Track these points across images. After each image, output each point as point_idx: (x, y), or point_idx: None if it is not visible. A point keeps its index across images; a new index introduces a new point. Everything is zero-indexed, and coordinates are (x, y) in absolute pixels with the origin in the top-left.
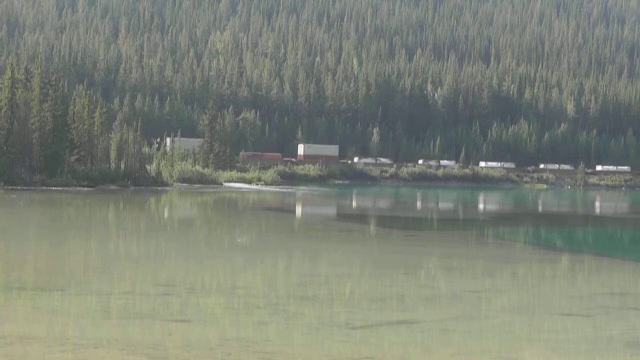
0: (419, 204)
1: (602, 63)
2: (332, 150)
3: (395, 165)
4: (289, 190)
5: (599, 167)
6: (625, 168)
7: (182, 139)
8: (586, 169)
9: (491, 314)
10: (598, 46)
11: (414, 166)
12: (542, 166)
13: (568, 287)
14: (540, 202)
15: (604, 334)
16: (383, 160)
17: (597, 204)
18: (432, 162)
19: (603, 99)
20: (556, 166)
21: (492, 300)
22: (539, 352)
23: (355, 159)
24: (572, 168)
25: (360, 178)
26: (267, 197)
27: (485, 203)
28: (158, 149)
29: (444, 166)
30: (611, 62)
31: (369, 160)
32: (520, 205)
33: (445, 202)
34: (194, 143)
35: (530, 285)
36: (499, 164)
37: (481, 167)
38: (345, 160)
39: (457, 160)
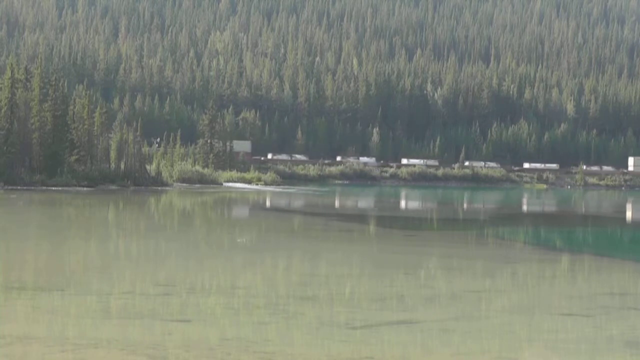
0: (418, 203)
1: (602, 63)
2: None
3: (394, 165)
4: (289, 190)
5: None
6: (610, 168)
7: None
8: (570, 168)
9: (491, 314)
10: (598, 46)
11: (413, 166)
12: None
13: (568, 287)
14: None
15: (604, 333)
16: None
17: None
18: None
19: (603, 99)
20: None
21: (492, 300)
22: (539, 352)
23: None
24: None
25: (360, 178)
26: (266, 197)
27: (485, 203)
28: (158, 148)
29: (428, 165)
30: (611, 62)
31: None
32: (507, 205)
33: (445, 202)
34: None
35: (530, 285)
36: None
37: (480, 167)
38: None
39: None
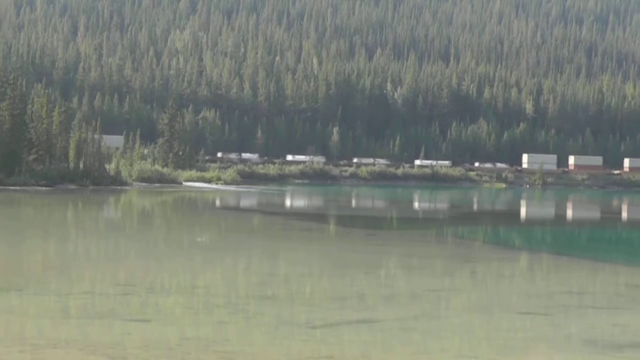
0: (379, 203)
1: (560, 63)
2: None
3: (354, 165)
4: (249, 189)
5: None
6: (501, 165)
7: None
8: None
9: (450, 313)
10: (556, 46)
11: (373, 165)
12: (477, 164)
13: (527, 285)
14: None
15: (562, 332)
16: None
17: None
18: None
19: (561, 99)
20: (490, 165)
21: (452, 299)
22: (498, 350)
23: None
24: (508, 166)
25: (319, 177)
26: (226, 196)
27: (444, 202)
28: (117, 148)
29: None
30: (569, 62)
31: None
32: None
33: (404, 201)
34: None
35: (489, 284)
36: (442, 162)
37: (440, 166)
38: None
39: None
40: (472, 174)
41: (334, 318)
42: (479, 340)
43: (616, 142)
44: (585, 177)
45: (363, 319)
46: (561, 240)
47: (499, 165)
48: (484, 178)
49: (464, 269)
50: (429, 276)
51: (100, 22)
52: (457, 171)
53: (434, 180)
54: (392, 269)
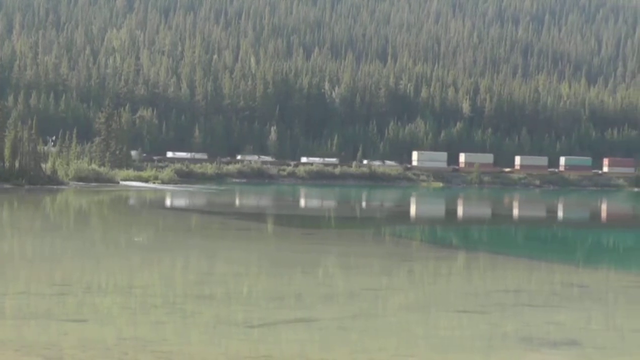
0: (317, 202)
1: (497, 63)
2: None
3: (292, 164)
4: (186, 188)
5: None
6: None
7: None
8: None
9: (388, 312)
10: (493, 46)
11: (311, 164)
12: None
13: (463, 284)
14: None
15: (498, 330)
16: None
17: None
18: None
19: (498, 98)
20: (378, 162)
21: (389, 298)
22: (435, 349)
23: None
24: (397, 164)
25: (257, 177)
26: (164, 195)
27: (381, 201)
28: (54, 146)
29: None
30: (506, 62)
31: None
32: (403, 203)
33: (342, 200)
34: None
35: (427, 282)
36: (307, 159)
37: (378, 165)
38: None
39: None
40: (409, 173)
41: (272, 317)
42: (416, 339)
43: (552, 141)
44: (522, 176)
45: (301, 318)
46: (498, 239)
47: (387, 162)
48: (422, 177)
49: (401, 268)
50: (366, 275)
51: (36, 20)
52: (395, 170)
53: (371, 180)
54: (329, 268)
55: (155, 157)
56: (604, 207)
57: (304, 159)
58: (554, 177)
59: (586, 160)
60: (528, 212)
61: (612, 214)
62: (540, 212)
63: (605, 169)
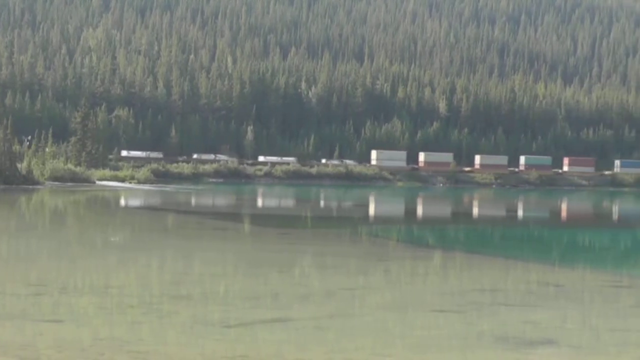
0: (293, 202)
1: (473, 62)
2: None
3: (269, 164)
4: (163, 188)
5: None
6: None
7: None
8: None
9: (365, 312)
10: (469, 46)
11: (288, 164)
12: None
13: (440, 283)
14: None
15: (475, 329)
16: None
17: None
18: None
19: (474, 98)
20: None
21: (366, 298)
22: (412, 348)
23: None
24: (356, 163)
25: (234, 176)
26: (140, 195)
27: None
28: (29, 146)
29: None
30: (482, 62)
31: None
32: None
33: (318, 200)
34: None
35: (403, 282)
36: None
37: (354, 165)
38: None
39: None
40: (385, 173)
41: (249, 317)
42: (393, 339)
43: (528, 141)
44: (484, 175)
45: (277, 317)
46: (474, 238)
47: (347, 161)
48: (398, 177)
49: (377, 268)
50: (343, 275)
51: (11, 19)
52: (371, 170)
53: (348, 179)
54: (306, 267)
55: (110, 156)
56: (563, 207)
57: (261, 158)
58: (513, 176)
59: (546, 159)
60: (488, 212)
61: (571, 213)
62: (500, 211)
63: (566, 168)
